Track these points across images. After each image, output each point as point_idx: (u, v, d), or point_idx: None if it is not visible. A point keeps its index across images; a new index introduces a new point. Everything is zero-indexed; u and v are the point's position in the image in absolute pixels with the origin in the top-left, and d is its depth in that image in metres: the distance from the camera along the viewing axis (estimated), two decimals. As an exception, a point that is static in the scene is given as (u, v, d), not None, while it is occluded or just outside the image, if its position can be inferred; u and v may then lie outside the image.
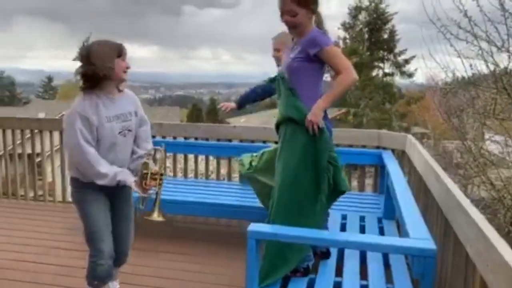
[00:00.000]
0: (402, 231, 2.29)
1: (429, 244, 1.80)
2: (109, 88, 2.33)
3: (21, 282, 3.05)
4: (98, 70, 2.21)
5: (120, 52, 2.30)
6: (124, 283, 2.90)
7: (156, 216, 2.36)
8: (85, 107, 2.26)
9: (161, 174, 2.36)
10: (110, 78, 2.27)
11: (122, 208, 2.56)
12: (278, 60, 3.00)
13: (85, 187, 2.39)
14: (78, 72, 2.28)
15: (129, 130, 2.41)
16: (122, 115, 2.38)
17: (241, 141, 4.62)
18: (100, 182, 2.28)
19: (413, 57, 24.73)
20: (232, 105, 3.09)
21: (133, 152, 2.49)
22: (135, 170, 2.45)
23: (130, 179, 2.35)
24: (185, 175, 4.90)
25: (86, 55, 2.23)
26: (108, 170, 2.28)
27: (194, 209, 3.78)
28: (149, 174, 2.34)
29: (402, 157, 4.00)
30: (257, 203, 3.79)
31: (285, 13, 2.36)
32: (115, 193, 2.47)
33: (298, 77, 2.42)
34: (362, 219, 3.53)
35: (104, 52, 2.25)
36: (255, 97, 3.16)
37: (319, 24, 2.45)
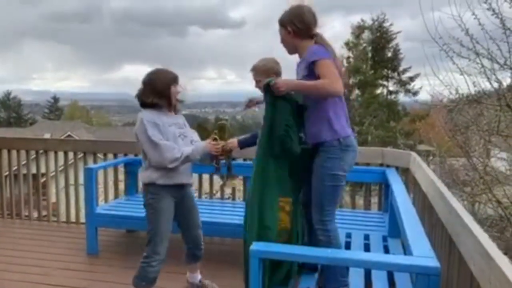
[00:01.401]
0: (406, 249, 2.27)
1: (432, 262, 1.78)
2: (164, 108, 2.84)
3: (24, 303, 3.04)
4: (156, 98, 2.77)
5: (175, 81, 2.84)
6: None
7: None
8: (149, 115, 2.76)
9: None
10: (166, 103, 2.81)
11: (188, 202, 2.99)
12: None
13: (159, 193, 2.79)
14: (139, 97, 2.83)
15: (185, 136, 2.89)
16: (177, 124, 2.88)
17: (244, 159, 4.63)
18: (174, 164, 2.72)
19: (418, 75, 24.81)
20: (235, 144, 3.16)
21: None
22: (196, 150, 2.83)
23: (199, 147, 2.83)
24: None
25: (149, 84, 2.81)
26: (179, 152, 2.73)
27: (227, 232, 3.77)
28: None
29: (406, 174, 3.99)
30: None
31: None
32: (182, 193, 2.93)
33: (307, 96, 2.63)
34: (366, 237, 3.51)
35: (162, 82, 2.79)
36: (255, 140, 3.13)
37: (320, 42, 2.54)
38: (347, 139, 2.56)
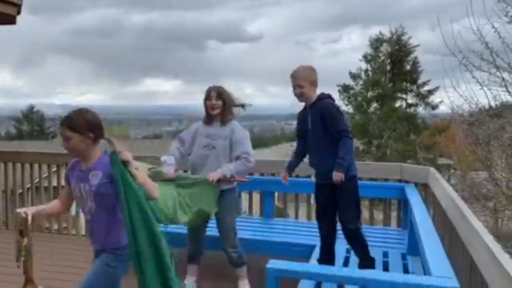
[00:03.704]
0: (425, 268, 2.23)
1: (452, 282, 1.75)
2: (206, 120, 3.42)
3: (44, 317, 3.07)
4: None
5: (207, 96, 3.32)
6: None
7: None
8: (194, 124, 3.53)
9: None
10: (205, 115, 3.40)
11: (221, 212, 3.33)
12: (300, 96, 3.07)
13: None
14: None
15: (213, 147, 3.30)
16: (210, 135, 3.33)
17: (261, 174, 4.63)
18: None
19: (437, 88, 24.49)
20: (285, 174, 3.36)
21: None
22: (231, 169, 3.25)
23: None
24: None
25: None
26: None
27: (216, 244, 3.76)
28: None
29: (425, 190, 3.93)
30: (279, 238, 3.77)
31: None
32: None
33: None
34: (385, 255, 3.45)
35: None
36: (299, 160, 3.36)
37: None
38: None
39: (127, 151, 2.18)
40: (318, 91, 3.09)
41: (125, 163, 2.16)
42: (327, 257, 3.05)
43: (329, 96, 3.10)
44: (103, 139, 2.28)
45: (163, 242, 2.21)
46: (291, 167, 3.33)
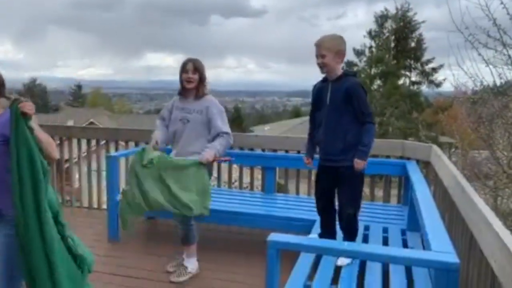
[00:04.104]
0: (425, 244, 2.25)
1: (452, 257, 1.76)
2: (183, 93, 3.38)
3: None
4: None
5: (183, 69, 3.25)
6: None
7: None
8: (169, 103, 3.49)
9: None
10: (181, 89, 3.36)
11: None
12: (322, 67, 2.81)
13: None
14: None
15: (188, 121, 3.27)
16: (185, 109, 3.29)
17: (263, 150, 4.64)
18: None
19: (441, 66, 24.30)
20: (309, 160, 3.06)
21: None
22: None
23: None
24: (208, 183, 4.94)
25: None
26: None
27: (217, 217, 3.81)
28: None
29: (427, 168, 3.94)
30: (279, 212, 3.80)
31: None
32: None
33: None
34: (385, 230, 3.48)
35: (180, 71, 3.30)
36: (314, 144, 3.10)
37: None
38: None
39: (29, 104, 2.02)
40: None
41: (24, 115, 2.01)
42: (327, 232, 3.03)
43: (355, 74, 2.93)
44: (4, 97, 2.16)
45: (48, 212, 2.06)
46: (310, 152, 3.06)
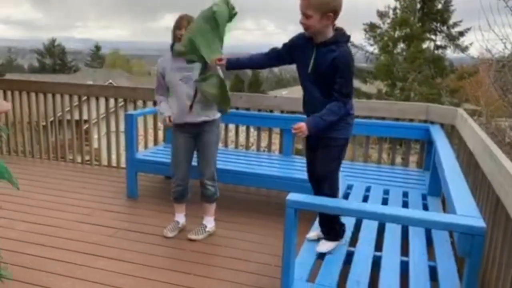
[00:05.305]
0: (448, 207, 2.18)
1: (478, 221, 1.70)
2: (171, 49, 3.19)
3: (70, 240, 3.20)
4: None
5: (177, 25, 3.11)
6: (173, 247, 3.10)
7: None
8: (160, 62, 3.28)
9: None
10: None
11: (203, 139, 3.24)
12: (305, 29, 2.33)
13: (174, 130, 3.27)
14: None
15: (189, 79, 3.11)
16: (182, 68, 3.10)
17: (282, 112, 4.56)
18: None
19: (468, 29, 23.33)
20: (224, 61, 2.72)
21: None
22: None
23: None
24: (226, 145, 4.92)
25: None
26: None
27: (235, 178, 3.81)
28: None
29: (451, 132, 3.82)
30: (297, 174, 3.76)
31: None
32: (197, 130, 3.22)
33: None
34: (405, 194, 3.43)
35: (173, 27, 3.14)
36: (246, 64, 2.75)
37: None
38: None
39: None
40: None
41: None
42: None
43: (347, 40, 2.35)
44: None
45: None
46: (232, 60, 2.70)
